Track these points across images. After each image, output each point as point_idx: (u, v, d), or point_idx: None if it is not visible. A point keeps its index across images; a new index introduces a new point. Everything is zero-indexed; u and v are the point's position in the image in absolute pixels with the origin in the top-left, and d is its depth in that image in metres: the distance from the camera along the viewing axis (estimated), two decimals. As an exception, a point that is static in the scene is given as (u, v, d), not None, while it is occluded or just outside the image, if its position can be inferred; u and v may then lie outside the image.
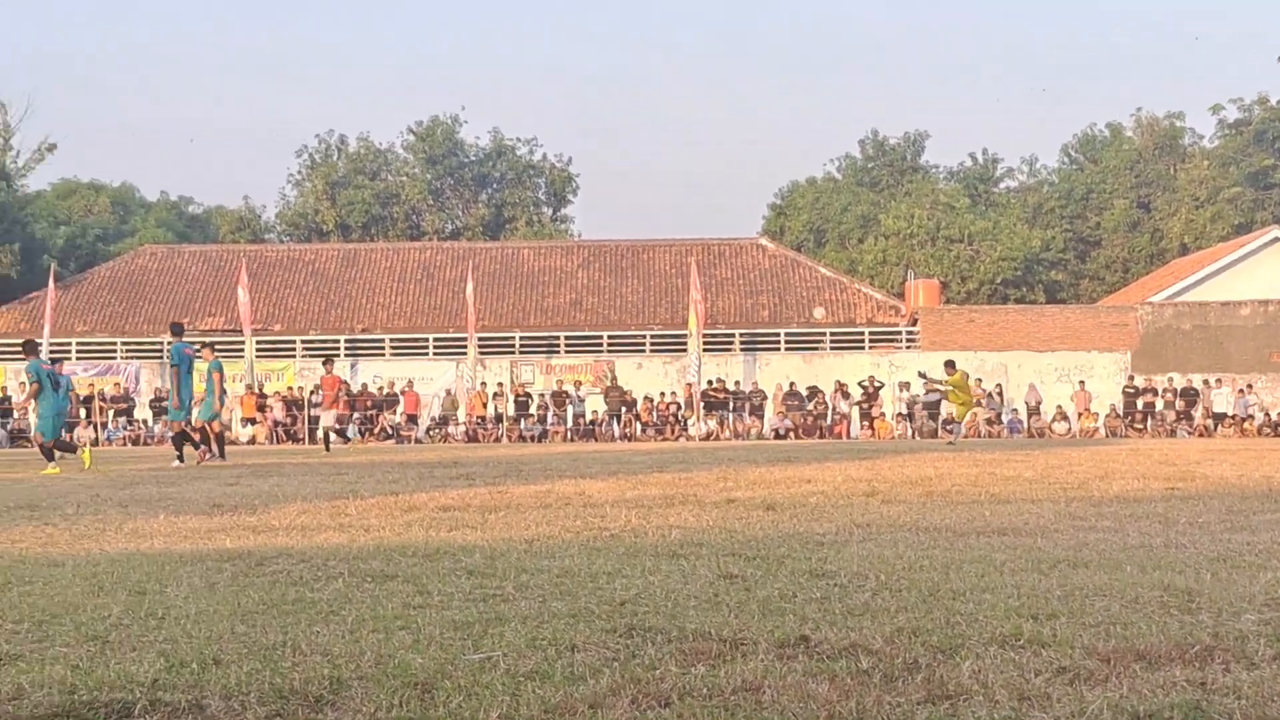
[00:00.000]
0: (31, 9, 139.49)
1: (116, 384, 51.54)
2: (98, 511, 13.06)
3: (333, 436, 35.34)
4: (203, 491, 16.00)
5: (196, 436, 25.79)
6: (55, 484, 18.73)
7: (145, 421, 49.80)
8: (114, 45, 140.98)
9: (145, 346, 53.61)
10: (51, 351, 51.96)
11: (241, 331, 52.79)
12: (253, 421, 49.54)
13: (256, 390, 50.65)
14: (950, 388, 35.02)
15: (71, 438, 48.25)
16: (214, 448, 27.50)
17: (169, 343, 27.02)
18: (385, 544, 9.63)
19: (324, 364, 36.21)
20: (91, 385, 50.89)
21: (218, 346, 53.57)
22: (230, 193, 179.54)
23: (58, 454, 24.26)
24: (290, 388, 51.30)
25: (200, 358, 27.25)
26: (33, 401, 25.67)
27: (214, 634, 5.98)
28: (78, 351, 53.87)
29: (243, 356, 52.01)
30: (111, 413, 50.22)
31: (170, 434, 26.14)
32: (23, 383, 25.91)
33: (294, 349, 54.17)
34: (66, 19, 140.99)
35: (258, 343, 52.87)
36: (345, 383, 50.68)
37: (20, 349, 25.62)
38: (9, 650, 5.66)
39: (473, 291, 53.20)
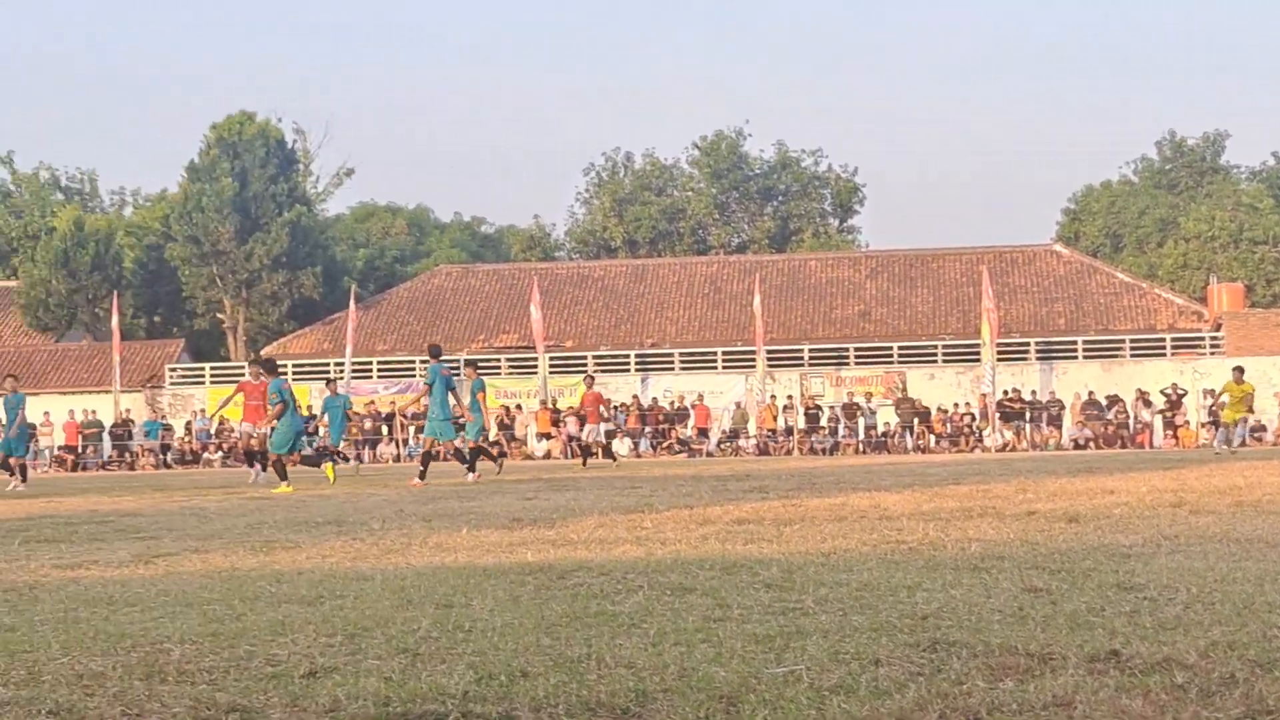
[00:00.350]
0: (327, 40, 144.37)
1: (417, 401, 52.76)
2: (402, 526, 13.38)
3: (600, 448, 35.91)
4: (502, 506, 16.27)
5: (423, 461, 26.07)
6: (361, 499, 19.24)
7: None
8: (407, 71, 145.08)
9: (443, 365, 54.90)
10: (354, 371, 53.65)
11: (534, 348, 53.69)
12: (547, 437, 50.32)
13: (550, 406, 51.42)
14: (1240, 395, 33.94)
15: (373, 455, 49.70)
16: (484, 462, 27.84)
17: (428, 362, 27.40)
18: (682, 557, 9.65)
19: (584, 380, 36.84)
20: (392, 403, 52.28)
21: (512, 363, 55.04)
22: (520, 212, 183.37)
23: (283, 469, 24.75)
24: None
25: (463, 378, 27.78)
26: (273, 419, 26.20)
27: (520, 646, 6.05)
28: (379, 370, 55.44)
29: (536, 373, 52.92)
30: (412, 429, 51.47)
31: (449, 452, 26.68)
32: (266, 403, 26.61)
33: (585, 364, 54.89)
34: (362, 48, 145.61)
35: (550, 359, 53.70)
36: (637, 398, 51.27)
37: (261, 368, 26.27)
38: (324, 663, 5.81)
39: (760, 304, 53.24)
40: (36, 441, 51.95)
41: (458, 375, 28.31)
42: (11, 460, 30.35)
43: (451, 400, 26.26)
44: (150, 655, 6.07)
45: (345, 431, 37.43)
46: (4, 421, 30.57)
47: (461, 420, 27.28)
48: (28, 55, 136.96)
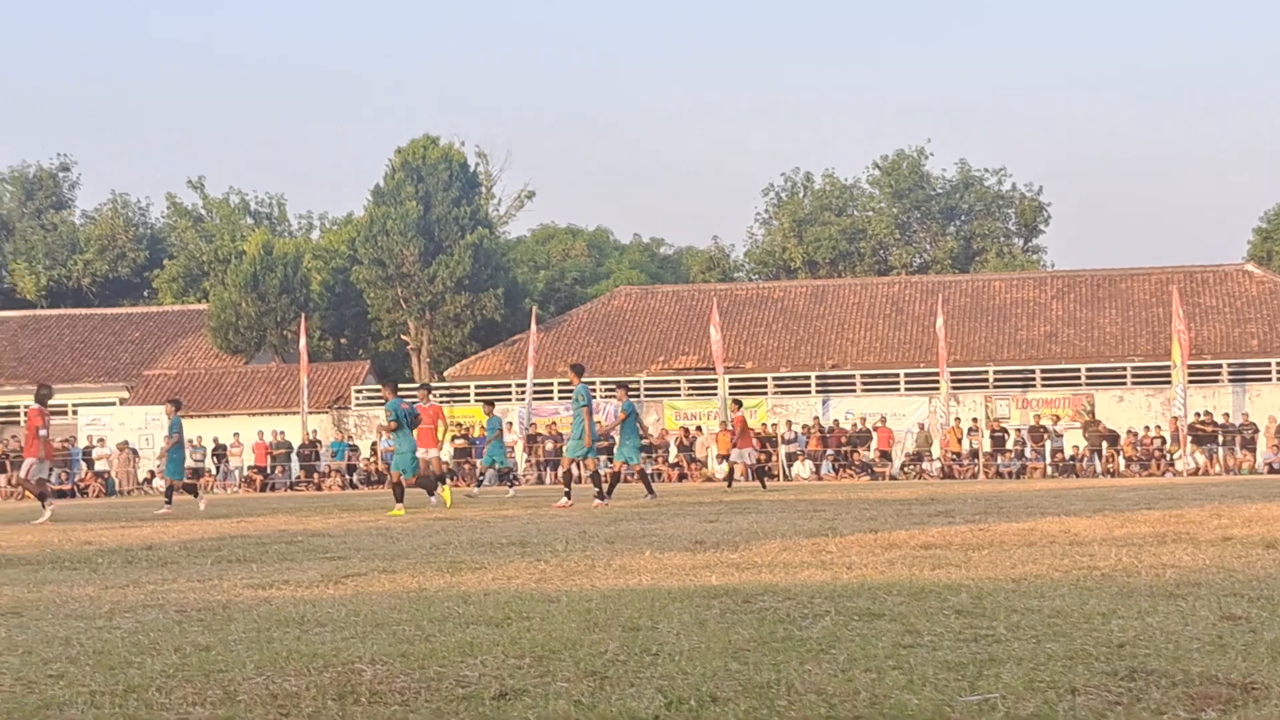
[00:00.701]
0: (509, 64, 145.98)
1: (599, 423, 53.04)
2: (585, 548, 13.42)
3: (736, 473, 35.90)
4: (684, 528, 16.27)
5: (605, 480, 26.02)
6: (543, 521, 19.34)
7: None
8: (587, 94, 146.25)
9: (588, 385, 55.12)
10: (535, 392, 54.05)
11: (714, 369, 53.71)
12: (727, 458, 50.22)
13: (730, 428, 51.34)
14: None
15: (554, 476, 49.98)
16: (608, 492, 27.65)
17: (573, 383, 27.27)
18: (869, 582, 9.56)
19: (732, 403, 36.87)
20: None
21: (692, 385, 55.10)
22: (700, 233, 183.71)
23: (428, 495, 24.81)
24: (763, 424, 51.81)
25: (615, 398, 27.88)
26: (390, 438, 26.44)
27: (708, 671, 6.02)
28: (560, 391, 55.79)
29: (716, 394, 52.92)
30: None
31: (561, 471, 26.75)
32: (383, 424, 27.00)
33: (765, 386, 54.80)
34: (542, 71, 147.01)
35: (730, 380, 53.68)
36: (818, 420, 51.01)
37: (384, 385, 26.53)
38: (513, 685, 5.83)
39: (943, 325, 52.78)
40: (226, 462, 53.23)
41: (621, 396, 28.44)
42: (168, 481, 30.99)
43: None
44: (343, 676, 6.13)
45: (505, 451, 37.99)
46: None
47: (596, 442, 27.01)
48: (217, 83, 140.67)
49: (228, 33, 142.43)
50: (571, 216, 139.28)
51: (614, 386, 29.84)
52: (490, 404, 37.90)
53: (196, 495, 30.39)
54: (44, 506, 25.12)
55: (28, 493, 25.94)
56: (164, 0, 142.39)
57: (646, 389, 55.50)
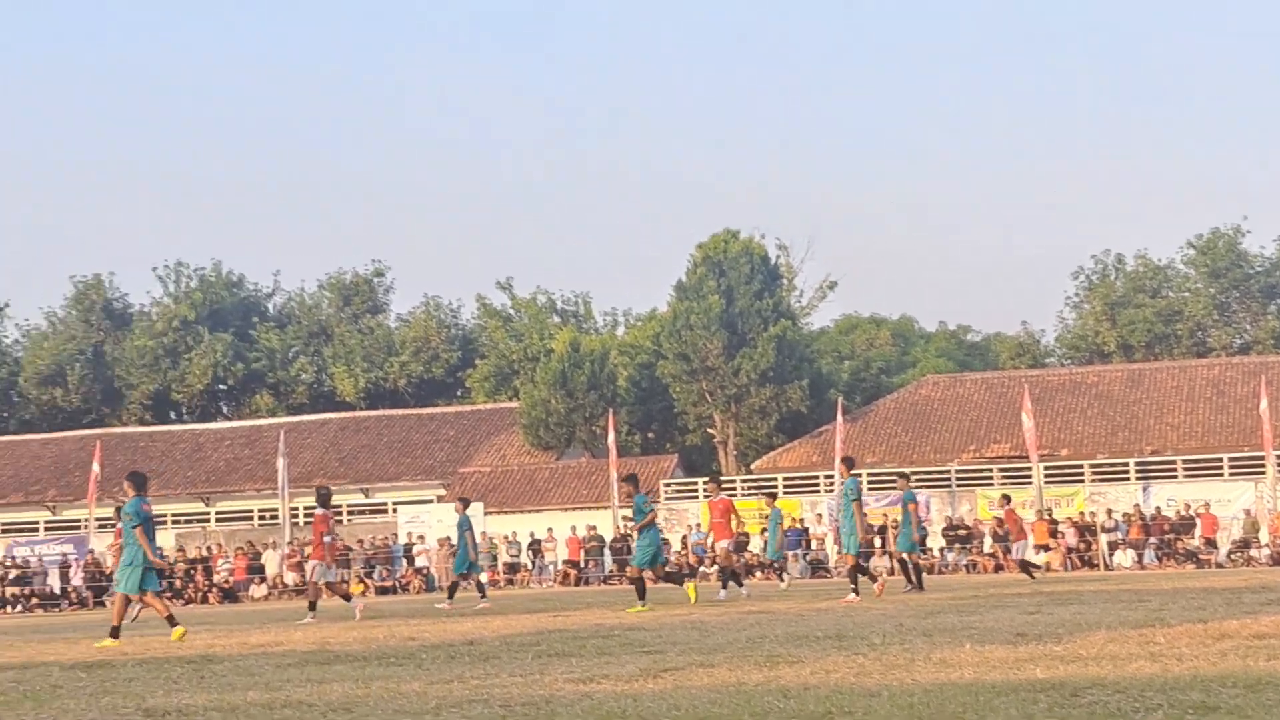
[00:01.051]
0: (807, 156, 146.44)
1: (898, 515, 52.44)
2: (903, 641, 13.23)
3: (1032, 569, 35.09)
4: (1004, 620, 15.94)
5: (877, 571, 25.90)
6: (857, 613, 19.15)
7: (942, 550, 50.30)
8: (886, 184, 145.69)
9: (934, 476, 54.42)
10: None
11: (1028, 457, 52.72)
12: (1045, 548, 49.14)
13: (1047, 516, 50.27)
14: None
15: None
16: (912, 578, 28.09)
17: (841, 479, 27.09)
18: (1201, 674, 9.21)
19: (1001, 499, 36.37)
20: (884, 515, 52.10)
21: (1005, 472, 54.13)
22: (1007, 319, 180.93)
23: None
24: (1081, 513, 50.63)
25: (898, 489, 27.86)
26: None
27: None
28: (868, 482, 55.37)
29: (1030, 483, 51.90)
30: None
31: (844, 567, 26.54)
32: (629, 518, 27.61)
33: (1082, 474, 53.57)
34: (839, 166, 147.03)
35: (1045, 469, 52.63)
36: (1139, 507, 49.68)
37: (628, 483, 26.63)
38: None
39: (1268, 407, 50.92)
40: (541, 557, 54.04)
41: (902, 486, 28.49)
42: (467, 578, 31.93)
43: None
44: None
45: (775, 543, 38.02)
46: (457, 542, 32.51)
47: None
48: (523, 185, 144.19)
49: (530, 137, 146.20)
50: (875, 306, 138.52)
51: (896, 478, 29.79)
52: (771, 496, 37.87)
53: (451, 597, 31.23)
54: (310, 610, 26.41)
55: (326, 592, 27.08)
56: (466, 109, 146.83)
57: (958, 478, 54.73)
